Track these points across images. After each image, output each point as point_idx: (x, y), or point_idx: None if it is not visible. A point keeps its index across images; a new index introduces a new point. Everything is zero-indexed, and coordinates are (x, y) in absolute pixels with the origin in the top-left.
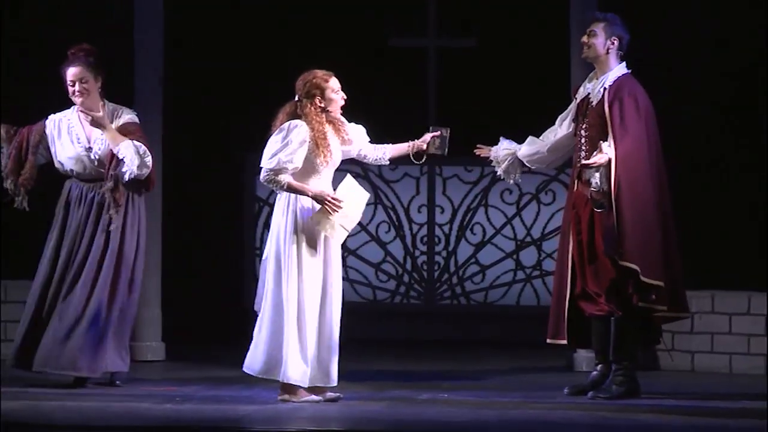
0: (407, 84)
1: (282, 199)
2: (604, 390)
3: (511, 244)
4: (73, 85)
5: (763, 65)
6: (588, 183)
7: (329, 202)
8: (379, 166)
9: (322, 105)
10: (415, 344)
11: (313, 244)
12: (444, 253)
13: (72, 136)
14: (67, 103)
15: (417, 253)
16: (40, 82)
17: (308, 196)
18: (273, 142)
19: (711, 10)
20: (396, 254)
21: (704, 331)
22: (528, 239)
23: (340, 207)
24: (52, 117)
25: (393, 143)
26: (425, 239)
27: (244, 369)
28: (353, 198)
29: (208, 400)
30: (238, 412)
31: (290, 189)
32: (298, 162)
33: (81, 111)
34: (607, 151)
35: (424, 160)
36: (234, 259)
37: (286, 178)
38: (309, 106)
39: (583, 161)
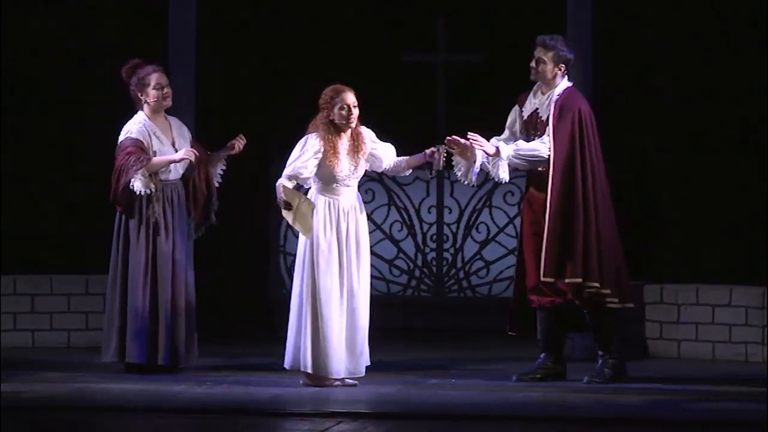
0: (418, 96)
1: None
2: (597, 374)
3: (513, 242)
4: (162, 89)
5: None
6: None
7: (282, 203)
8: None
9: (331, 118)
10: (425, 333)
11: (329, 243)
12: (452, 250)
13: (164, 143)
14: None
15: (427, 250)
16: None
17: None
18: (292, 153)
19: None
20: (408, 251)
21: (689, 321)
22: None
23: (287, 209)
24: (138, 130)
25: (405, 152)
26: (435, 237)
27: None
28: (299, 209)
29: (237, 385)
30: (264, 396)
31: (277, 190)
32: (311, 170)
33: (190, 155)
34: (543, 150)
35: (433, 174)
36: (261, 255)
37: (285, 182)
38: (321, 117)
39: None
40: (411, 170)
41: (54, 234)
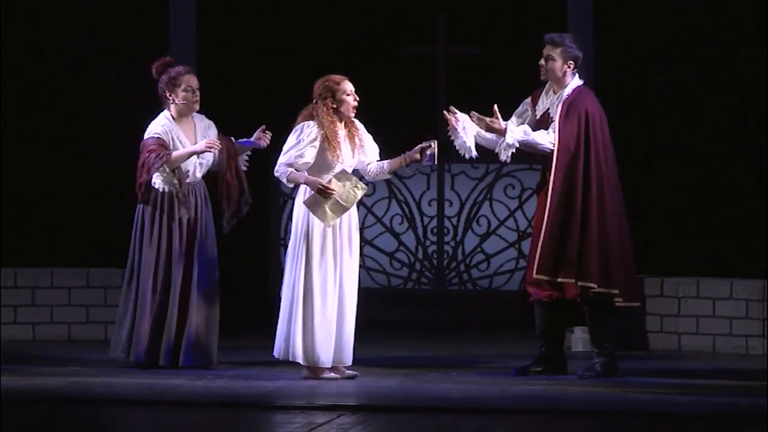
0: (418, 89)
1: (300, 194)
2: (589, 369)
3: (514, 235)
4: (193, 92)
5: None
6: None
7: (321, 187)
8: None
9: (334, 106)
10: (425, 326)
11: (323, 234)
12: (452, 243)
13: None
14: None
15: (428, 243)
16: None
17: (302, 183)
18: (288, 141)
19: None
20: (408, 244)
21: (690, 314)
22: (529, 230)
23: (330, 193)
24: (162, 131)
25: (403, 147)
26: (435, 230)
27: (273, 352)
28: (345, 186)
29: (237, 378)
30: (264, 389)
31: (290, 180)
32: (309, 159)
33: (214, 146)
34: (547, 144)
35: (416, 170)
36: (261, 248)
37: (289, 170)
38: (322, 107)
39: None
40: (391, 175)
41: (54, 227)
